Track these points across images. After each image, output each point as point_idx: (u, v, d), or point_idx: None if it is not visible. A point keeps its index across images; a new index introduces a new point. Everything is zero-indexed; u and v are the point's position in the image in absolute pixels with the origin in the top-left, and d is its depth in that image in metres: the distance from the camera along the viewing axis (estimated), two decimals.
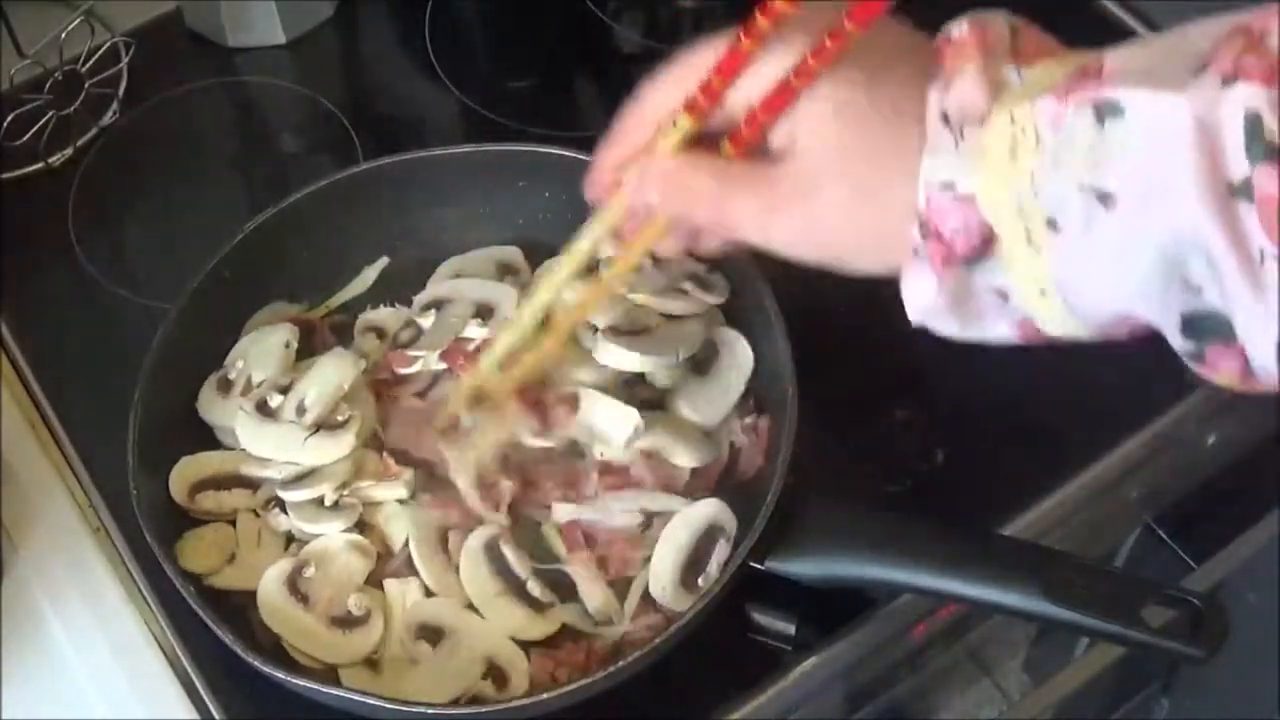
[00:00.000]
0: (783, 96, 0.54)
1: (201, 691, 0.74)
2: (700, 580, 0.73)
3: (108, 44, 0.98)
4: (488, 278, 0.85)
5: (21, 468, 0.83)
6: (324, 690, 0.68)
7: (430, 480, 0.77)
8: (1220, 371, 0.48)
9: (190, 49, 1.04)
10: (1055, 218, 0.48)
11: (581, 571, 0.74)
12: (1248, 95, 0.43)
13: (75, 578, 0.79)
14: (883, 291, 0.89)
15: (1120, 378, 0.86)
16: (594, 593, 0.74)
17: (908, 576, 0.70)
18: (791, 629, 0.75)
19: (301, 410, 0.77)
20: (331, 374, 0.78)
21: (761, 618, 0.76)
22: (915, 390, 0.85)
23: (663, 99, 0.59)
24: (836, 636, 0.76)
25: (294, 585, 0.73)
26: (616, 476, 0.76)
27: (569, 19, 1.07)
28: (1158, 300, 0.47)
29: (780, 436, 0.75)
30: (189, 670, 0.75)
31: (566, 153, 0.84)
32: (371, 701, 0.68)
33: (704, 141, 0.58)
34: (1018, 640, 1.05)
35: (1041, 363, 0.86)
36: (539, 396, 0.76)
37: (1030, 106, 0.48)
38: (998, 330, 0.53)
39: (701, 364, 0.80)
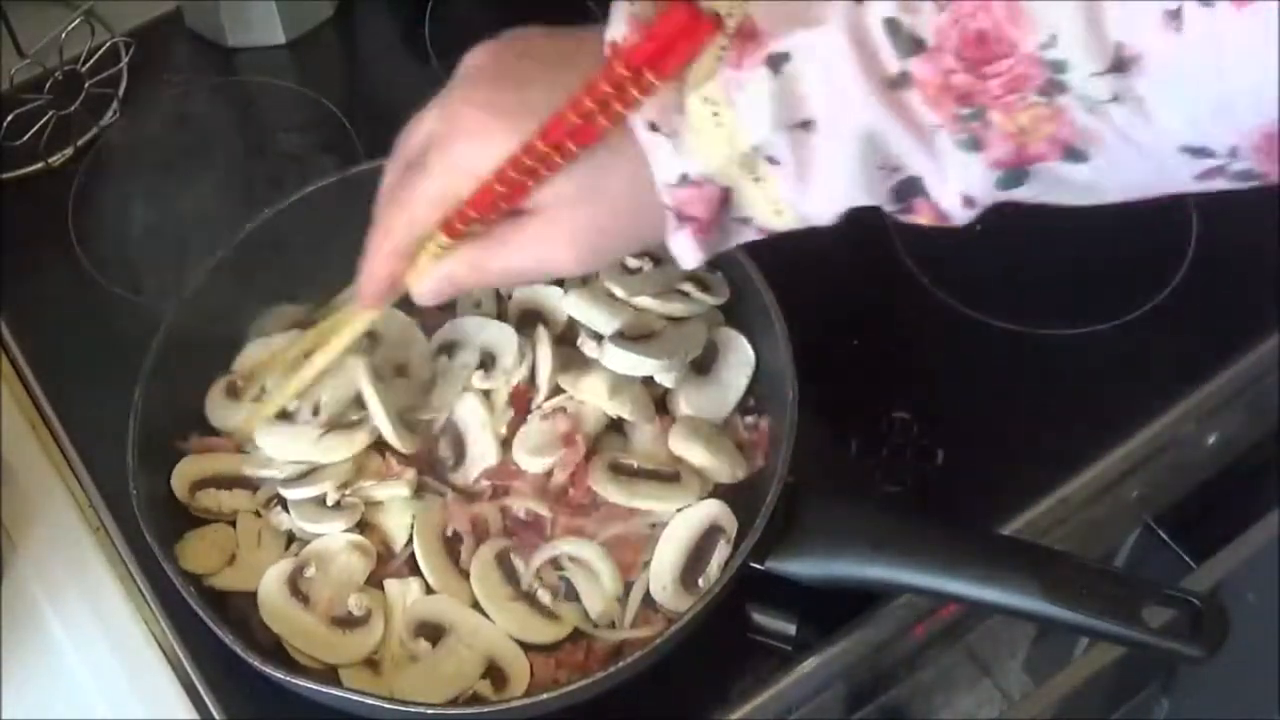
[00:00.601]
0: (517, 196, 0.62)
1: (201, 691, 0.74)
2: (700, 581, 0.73)
3: (108, 44, 0.98)
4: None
5: (21, 468, 0.83)
6: (323, 690, 0.68)
7: (435, 480, 0.78)
8: (921, 216, 0.58)
9: (190, 49, 1.04)
10: (772, 155, 0.57)
11: (582, 576, 0.74)
12: (880, 7, 0.53)
13: (75, 578, 0.79)
14: (883, 292, 0.90)
15: (1120, 378, 0.86)
16: (596, 596, 0.73)
17: (908, 576, 0.70)
18: (792, 629, 0.75)
19: (316, 411, 0.77)
20: (347, 378, 0.77)
21: (761, 618, 0.76)
22: (915, 390, 0.85)
23: (410, 228, 0.66)
24: (836, 636, 0.76)
25: (294, 585, 0.73)
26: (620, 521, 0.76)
27: (569, 19, 1.06)
28: (870, 186, 0.57)
29: (781, 437, 0.75)
30: (189, 670, 0.75)
31: None
32: (370, 701, 0.68)
33: None
34: (1018, 640, 1.05)
35: (1041, 363, 0.87)
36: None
37: (714, 83, 0.56)
38: (743, 238, 0.62)
39: (703, 364, 0.80)
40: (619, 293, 0.80)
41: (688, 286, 0.81)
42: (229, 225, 0.84)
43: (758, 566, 0.71)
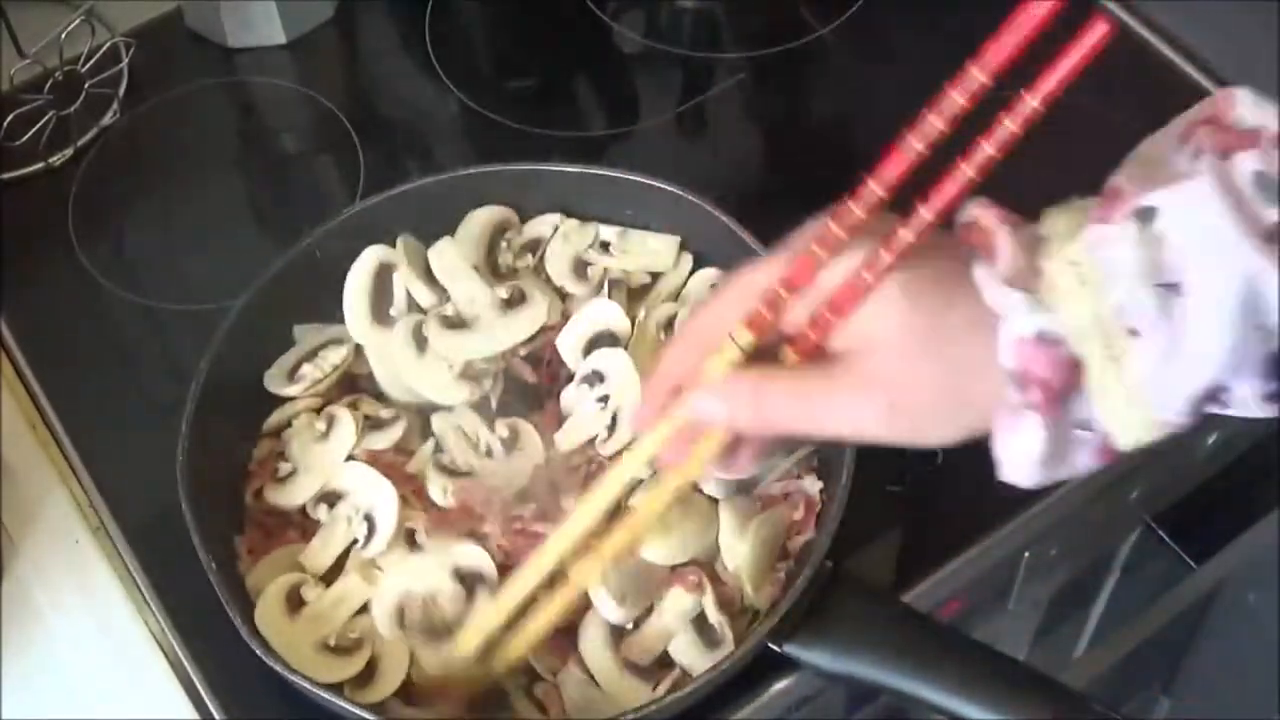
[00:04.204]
0: (853, 294, 0.56)
1: (201, 691, 0.74)
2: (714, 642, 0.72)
3: (108, 44, 0.98)
4: (480, 244, 0.83)
5: (21, 468, 0.83)
6: (343, 705, 0.68)
7: None
8: None
9: (190, 49, 1.04)
10: (1134, 325, 0.53)
11: None
12: (1245, 159, 0.52)
13: (75, 577, 0.79)
14: None
15: None
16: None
17: (925, 691, 0.68)
18: None
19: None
20: None
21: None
22: None
23: (712, 322, 0.61)
24: None
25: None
26: None
27: (569, 19, 1.07)
28: (1243, 353, 0.52)
29: (828, 515, 0.73)
30: (189, 670, 0.75)
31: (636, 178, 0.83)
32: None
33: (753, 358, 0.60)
34: (1018, 640, 1.05)
35: None
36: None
37: (1077, 243, 0.53)
38: (1080, 463, 0.57)
39: None
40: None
41: None
42: (229, 225, 0.84)
43: (775, 648, 0.70)
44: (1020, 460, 0.56)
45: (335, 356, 0.79)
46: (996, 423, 0.56)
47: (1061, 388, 0.54)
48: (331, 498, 0.76)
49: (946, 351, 0.56)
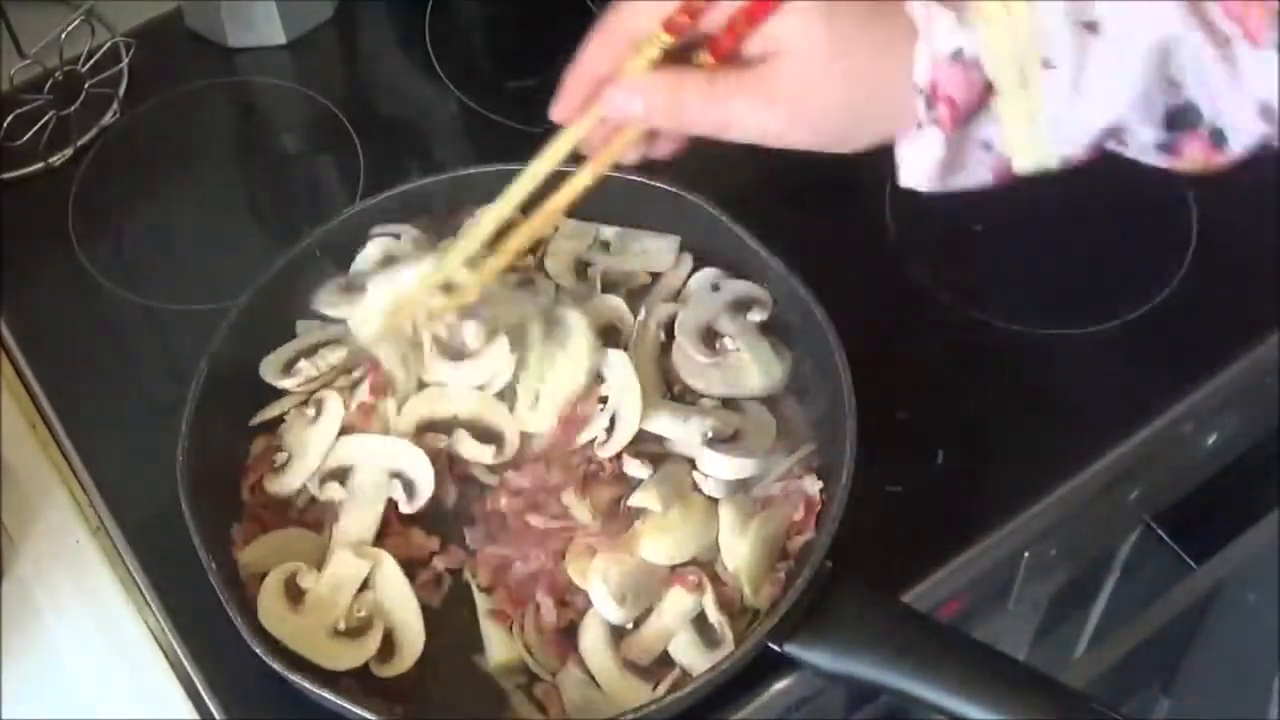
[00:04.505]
0: (766, 5, 0.58)
1: (201, 691, 0.74)
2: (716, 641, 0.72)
3: (108, 44, 0.98)
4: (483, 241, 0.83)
5: (21, 468, 0.83)
6: (344, 705, 0.68)
7: None
8: (1185, 157, 0.56)
9: (190, 49, 1.04)
10: (1049, 57, 0.55)
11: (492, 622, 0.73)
12: None
13: (75, 577, 0.79)
14: (883, 292, 0.90)
15: (1120, 378, 0.86)
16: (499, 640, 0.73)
17: (924, 691, 0.68)
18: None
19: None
20: None
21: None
22: (915, 390, 0.85)
23: (632, 20, 0.62)
24: None
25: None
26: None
27: (569, 19, 1.07)
28: (1145, 102, 0.55)
29: (826, 518, 0.73)
30: (189, 670, 0.75)
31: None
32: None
33: (671, 58, 0.61)
34: (1019, 640, 1.05)
35: (1041, 363, 0.87)
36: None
37: None
38: (977, 177, 0.59)
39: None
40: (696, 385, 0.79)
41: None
42: (229, 226, 0.84)
43: (775, 648, 0.70)
44: (918, 169, 0.58)
45: (334, 357, 0.79)
46: (900, 134, 0.58)
47: (968, 108, 0.56)
48: (339, 474, 0.76)
49: (858, 66, 0.58)
